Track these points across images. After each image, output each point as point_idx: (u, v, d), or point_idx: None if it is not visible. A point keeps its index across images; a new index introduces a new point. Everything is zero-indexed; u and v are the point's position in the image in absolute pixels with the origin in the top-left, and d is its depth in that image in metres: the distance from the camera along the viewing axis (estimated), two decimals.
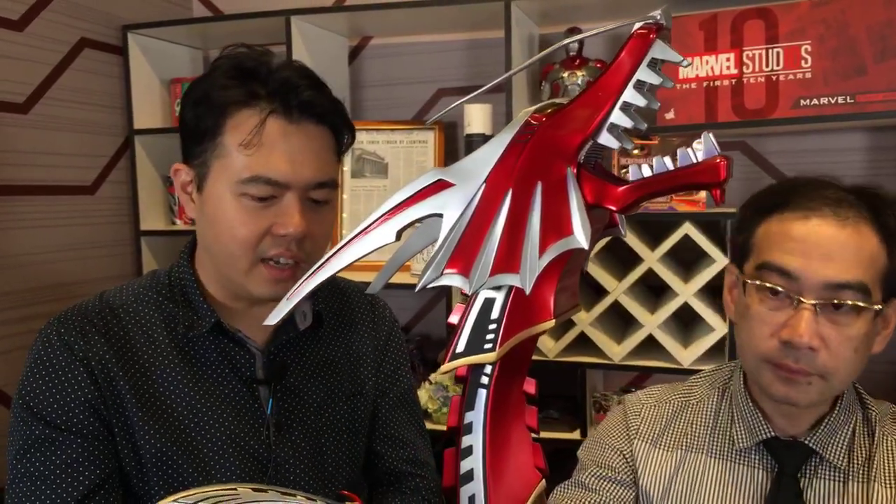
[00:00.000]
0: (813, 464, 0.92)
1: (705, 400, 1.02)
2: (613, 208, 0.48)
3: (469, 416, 0.52)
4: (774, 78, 1.68)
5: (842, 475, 0.91)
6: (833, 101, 1.65)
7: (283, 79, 0.88)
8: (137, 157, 2.21)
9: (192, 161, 0.91)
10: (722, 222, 1.81)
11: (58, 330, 0.90)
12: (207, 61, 2.46)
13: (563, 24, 2.00)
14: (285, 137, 0.87)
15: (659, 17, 0.45)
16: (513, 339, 0.50)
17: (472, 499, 0.52)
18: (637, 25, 0.45)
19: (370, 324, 1.09)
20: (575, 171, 0.48)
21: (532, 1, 1.86)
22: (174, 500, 0.53)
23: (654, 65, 0.45)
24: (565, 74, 1.90)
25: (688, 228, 1.70)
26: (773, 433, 0.93)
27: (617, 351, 1.80)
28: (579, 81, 1.89)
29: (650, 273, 1.74)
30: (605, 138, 0.47)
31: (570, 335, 1.83)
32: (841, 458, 0.91)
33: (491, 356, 0.50)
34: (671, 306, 1.73)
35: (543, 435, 1.84)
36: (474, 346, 0.50)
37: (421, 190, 0.52)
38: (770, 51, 1.68)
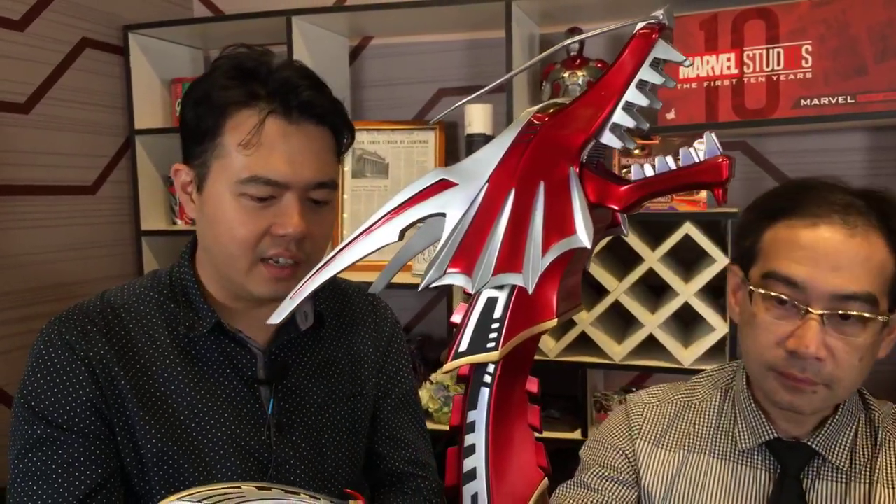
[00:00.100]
0: (815, 465, 0.91)
1: (708, 400, 1.02)
2: (616, 208, 0.48)
3: (472, 415, 0.52)
4: (775, 78, 1.68)
5: (844, 476, 0.91)
6: (834, 101, 1.65)
7: (283, 79, 0.88)
8: (138, 157, 2.21)
9: (192, 161, 0.91)
10: (723, 222, 1.81)
11: (59, 329, 0.90)
12: (208, 61, 2.46)
13: (563, 24, 2.00)
14: (285, 138, 0.87)
15: (661, 17, 0.45)
16: (516, 339, 0.50)
17: (474, 497, 0.52)
18: (640, 25, 0.45)
19: (372, 325, 1.09)
20: (577, 170, 0.48)
21: (533, 1, 1.86)
22: (179, 499, 0.53)
23: (657, 65, 0.46)
24: (566, 74, 1.90)
25: (688, 228, 1.70)
26: (775, 434, 0.92)
27: (618, 351, 1.80)
28: (580, 81, 1.89)
29: (651, 273, 1.74)
30: (608, 138, 0.47)
31: (571, 335, 1.83)
32: (843, 460, 0.91)
33: (494, 355, 0.50)
34: (672, 306, 1.73)
35: (544, 435, 1.84)
36: (477, 345, 0.51)
37: (424, 189, 0.52)
38: (771, 51, 1.68)
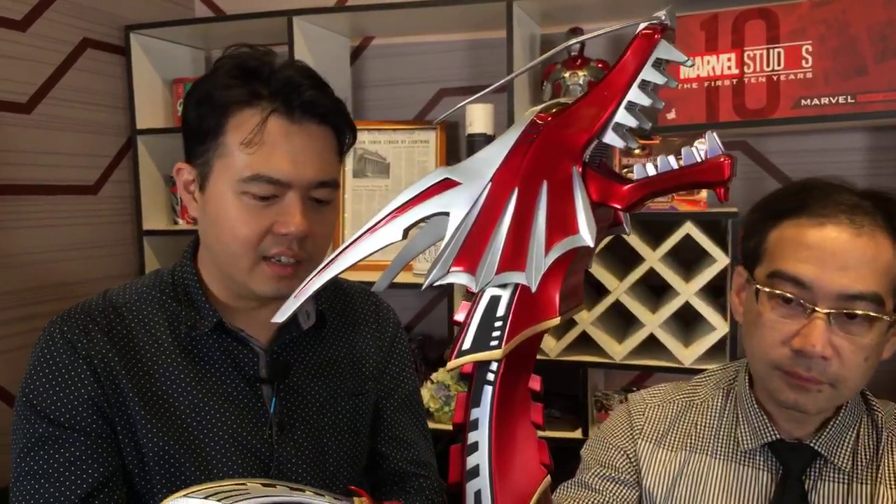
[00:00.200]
0: (818, 466, 0.91)
1: (709, 400, 1.02)
2: (618, 207, 0.48)
3: (475, 413, 0.53)
4: (775, 78, 1.69)
5: (846, 477, 0.91)
6: (834, 101, 1.65)
7: (286, 78, 0.88)
8: (140, 156, 2.22)
9: (194, 160, 0.92)
10: (723, 222, 1.81)
11: (61, 328, 0.90)
12: (209, 61, 2.47)
13: (564, 24, 2.01)
14: (287, 137, 0.87)
15: (664, 17, 0.45)
16: (519, 336, 0.50)
17: (477, 494, 0.52)
18: (642, 26, 0.46)
19: (374, 325, 1.10)
20: (580, 169, 0.48)
21: (533, 1, 1.86)
22: (184, 495, 0.53)
23: (659, 65, 0.46)
24: (567, 74, 1.91)
25: (689, 228, 1.71)
26: (778, 435, 0.92)
27: (618, 350, 1.80)
28: (581, 81, 1.90)
29: (651, 272, 1.74)
30: (611, 137, 0.47)
31: (572, 334, 1.83)
32: (846, 461, 0.91)
33: (497, 353, 0.50)
34: (672, 305, 1.73)
35: (545, 434, 1.84)
36: (480, 343, 0.51)
37: (427, 189, 0.52)
38: (771, 51, 1.68)
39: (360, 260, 0.53)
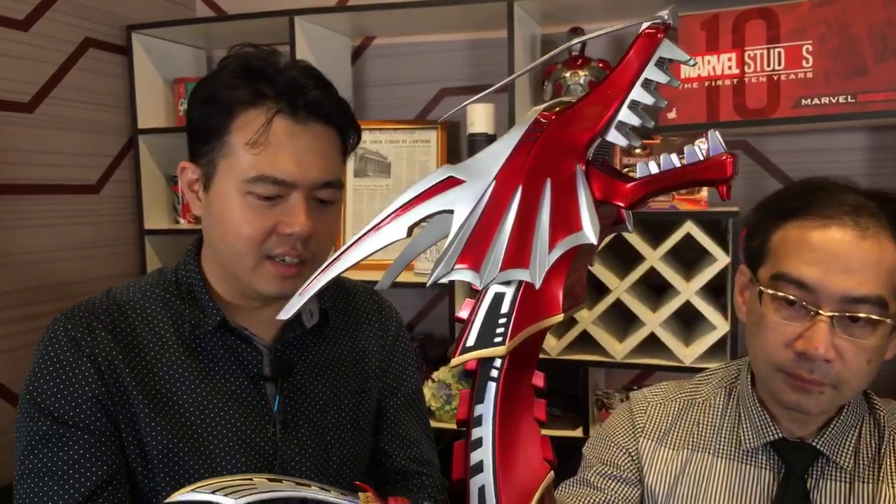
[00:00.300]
0: (820, 465, 0.91)
1: (711, 399, 1.01)
2: (621, 204, 0.49)
3: (479, 409, 0.53)
4: (776, 77, 1.69)
5: (848, 477, 0.91)
6: (834, 101, 1.65)
7: (291, 79, 0.88)
8: (141, 156, 2.22)
9: (198, 160, 0.92)
10: (723, 221, 1.81)
11: (65, 326, 0.91)
12: (211, 61, 2.47)
13: (565, 23, 2.01)
14: (292, 137, 0.88)
15: (666, 16, 0.45)
16: (522, 333, 0.50)
17: (481, 490, 0.53)
18: (645, 25, 0.46)
19: (377, 324, 1.10)
20: (584, 168, 0.49)
21: (534, 1, 1.87)
22: (192, 490, 0.54)
23: (662, 64, 0.46)
24: (568, 74, 1.91)
25: (689, 227, 1.71)
26: (780, 434, 0.92)
27: (619, 349, 1.81)
28: (581, 81, 1.90)
29: (652, 271, 1.75)
30: (614, 136, 0.48)
31: (573, 333, 1.84)
32: (848, 460, 0.91)
33: (501, 349, 0.50)
34: (673, 304, 1.74)
35: (545, 432, 1.84)
36: (484, 339, 0.51)
37: (432, 187, 0.52)
38: (771, 51, 1.69)
39: (365, 258, 0.53)
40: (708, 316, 1.72)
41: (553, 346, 1.85)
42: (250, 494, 0.53)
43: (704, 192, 1.73)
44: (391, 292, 1.14)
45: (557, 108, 0.51)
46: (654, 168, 0.48)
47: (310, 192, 0.90)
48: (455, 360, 0.52)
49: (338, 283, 1.09)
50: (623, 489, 1.00)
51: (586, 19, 2.00)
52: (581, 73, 1.90)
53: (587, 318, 1.81)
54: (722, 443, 0.97)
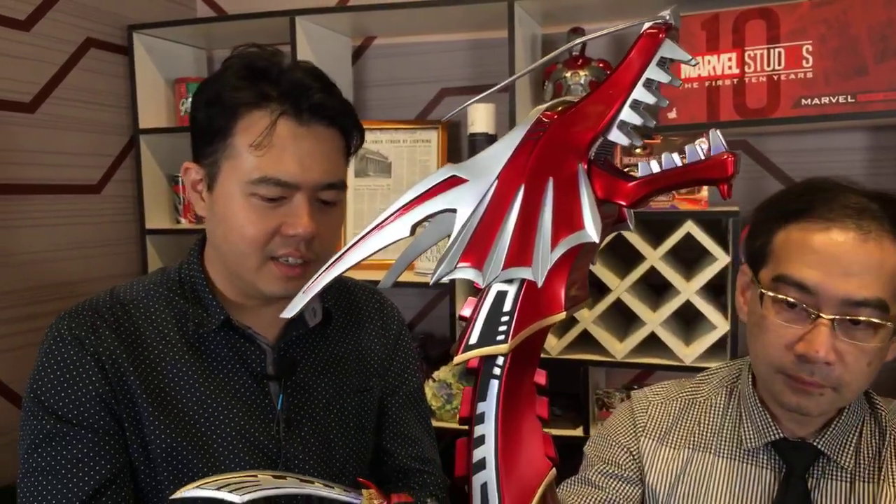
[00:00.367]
0: (821, 465, 0.91)
1: (712, 398, 1.02)
2: (623, 203, 0.49)
3: (481, 406, 0.53)
4: (776, 77, 1.69)
5: (849, 476, 0.91)
6: (834, 101, 1.66)
7: (295, 80, 0.89)
8: (142, 156, 2.22)
9: (202, 160, 0.92)
10: (724, 221, 1.82)
11: (69, 325, 0.91)
12: (212, 61, 2.48)
13: (565, 23, 2.01)
14: (295, 139, 0.88)
15: (668, 17, 0.46)
16: (525, 331, 0.51)
17: (484, 487, 0.53)
18: (647, 25, 0.46)
19: (379, 323, 1.10)
20: (586, 167, 0.49)
21: (535, 1, 1.87)
22: (198, 486, 0.54)
23: (664, 63, 0.46)
24: (568, 74, 1.91)
25: (690, 227, 1.71)
26: (781, 434, 0.92)
27: (619, 348, 1.81)
28: (582, 81, 1.90)
29: (652, 271, 1.75)
30: (616, 135, 0.48)
31: (573, 333, 1.84)
32: (848, 460, 0.91)
33: (503, 347, 0.51)
34: (673, 304, 1.74)
35: (546, 431, 1.85)
36: (487, 337, 0.51)
37: (435, 186, 0.53)
38: (771, 50, 1.69)
39: (369, 256, 0.54)
40: (708, 315, 1.72)
41: (553, 345, 1.85)
42: (255, 491, 0.54)
43: (705, 192, 1.74)
44: (391, 292, 1.14)
45: (560, 108, 0.51)
46: (655, 167, 0.48)
47: (313, 193, 0.90)
48: (458, 358, 0.52)
49: (340, 282, 1.09)
50: (624, 488, 1.00)
51: (587, 19, 2.01)
52: (582, 72, 1.91)
53: (588, 318, 1.81)
54: (723, 442, 0.98)
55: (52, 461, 0.87)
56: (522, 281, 0.51)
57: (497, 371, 0.53)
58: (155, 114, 2.26)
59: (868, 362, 0.84)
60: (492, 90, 0.56)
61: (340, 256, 0.54)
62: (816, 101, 1.67)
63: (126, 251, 2.24)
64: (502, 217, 0.51)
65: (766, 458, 0.94)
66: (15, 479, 0.90)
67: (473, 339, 0.52)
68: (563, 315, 0.50)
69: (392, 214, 0.53)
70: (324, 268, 0.54)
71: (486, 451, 0.53)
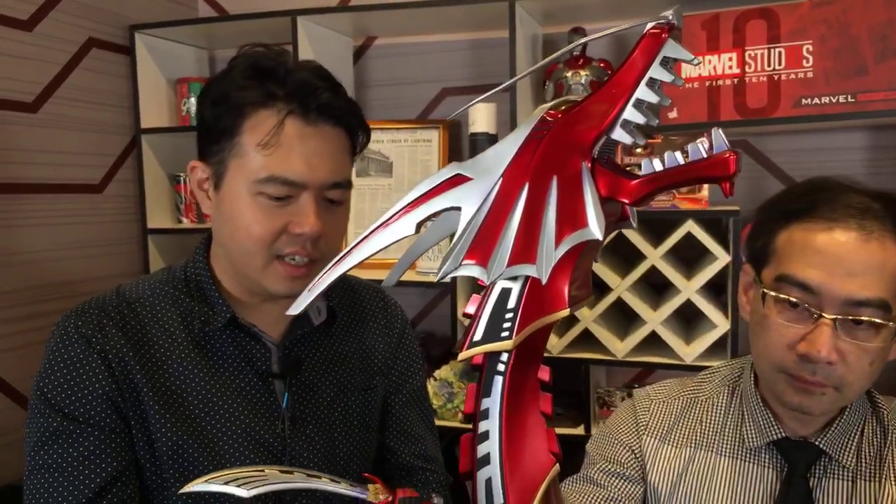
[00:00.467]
0: (822, 464, 0.92)
1: (714, 397, 1.02)
2: (626, 201, 0.50)
3: (486, 403, 0.54)
4: (776, 77, 1.70)
5: (851, 475, 0.91)
6: (834, 101, 1.66)
7: (302, 80, 0.89)
8: (144, 155, 2.23)
9: (208, 159, 0.92)
10: (724, 220, 1.82)
11: (75, 323, 0.91)
12: (213, 61, 2.48)
13: (566, 23, 2.02)
14: (303, 139, 0.88)
15: (671, 17, 0.46)
16: (529, 328, 0.51)
17: (488, 482, 0.53)
18: (650, 25, 0.47)
19: (382, 321, 1.11)
20: (589, 165, 0.49)
21: (536, 1, 1.88)
22: (206, 481, 0.54)
23: (666, 63, 0.47)
24: (569, 74, 1.92)
25: (690, 226, 1.72)
26: (783, 434, 0.92)
27: (620, 347, 1.81)
28: (583, 81, 1.91)
29: (653, 270, 1.76)
30: (619, 134, 0.48)
31: (574, 331, 1.84)
32: (850, 459, 0.91)
33: (507, 344, 0.51)
34: (674, 303, 1.75)
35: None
36: (491, 334, 0.52)
37: (440, 184, 0.53)
38: (772, 50, 1.70)
39: (374, 253, 0.54)
40: (708, 314, 1.73)
41: (554, 344, 1.86)
42: (262, 485, 0.54)
43: (705, 192, 1.74)
44: (393, 290, 1.15)
45: (563, 107, 0.52)
46: (658, 165, 0.49)
47: (319, 192, 0.90)
48: (462, 355, 0.53)
49: (344, 281, 1.10)
50: (626, 486, 1.01)
51: (587, 19, 2.01)
52: (582, 72, 1.91)
53: (588, 317, 1.82)
54: (725, 441, 0.98)
55: (59, 458, 0.87)
56: (526, 278, 0.51)
57: (501, 367, 0.53)
58: (157, 113, 2.27)
59: (870, 362, 0.84)
60: (495, 90, 0.56)
61: (346, 254, 0.54)
62: (817, 100, 1.68)
63: (127, 251, 2.25)
64: (507, 215, 0.51)
65: (768, 457, 0.94)
66: (18, 478, 0.90)
67: (478, 336, 0.52)
68: (567, 311, 0.51)
69: (397, 212, 0.54)
70: (329, 265, 0.54)
71: (491, 447, 0.54)
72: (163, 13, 2.31)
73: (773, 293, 0.87)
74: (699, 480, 0.97)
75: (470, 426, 0.55)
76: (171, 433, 0.90)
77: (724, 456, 0.97)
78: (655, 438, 1.02)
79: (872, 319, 0.82)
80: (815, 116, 1.68)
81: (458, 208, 0.53)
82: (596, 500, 1.00)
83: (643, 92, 0.47)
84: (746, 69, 1.72)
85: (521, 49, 1.89)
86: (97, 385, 0.88)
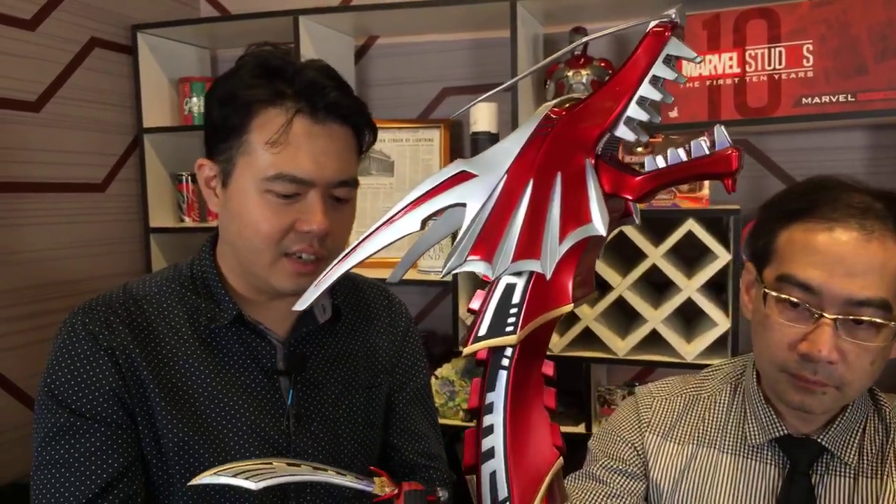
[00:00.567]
0: (824, 461, 0.92)
1: (717, 395, 1.02)
2: (630, 197, 0.50)
3: (490, 397, 0.54)
4: (776, 77, 1.71)
5: (853, 472, 0.91)
6: (834, 100, 1.67)
7: (310, 79, 0.90)
8: (146, 155, 2.24)
9: (216, 157, 0.93)
10: (724, 219, 1.83)
11: (82, 320, 0.92)
12: (215, 61, 2.49)
13: (567, 23, 2.02)
14: (310, 137, 0.89)
15: (674, 15, 0.47)
16: (533, 323, 0.52)
17: (493, 475, 0.54)
18: (653, 23, 0.47)
19: (387, 319, 1.11)
20: (593, 162, 0.50)
21: (537, 1, 1.88)
22: (215, 473, 0.55)
23: (669, 61, 0.47)
24: (570, 73, 1.92)
25: (691, 225, 1.73)
26: (785, 431, 0.93)
27: (621, 346, 1.82)
28: (584, 80, 1.91)
29: (654, 269, 1.76)
30: (622, 131, 0.49)
31: (575, 330, 1.85)
32: (852, 456, 0.91)
33: (512, 339, 0.52)
34: (675, 301, 1.75)
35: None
36: (496, 329, 0.52)
37: (445, 181, 0.53)
38: (772, 50, 1.70)
39: (379, 250, 0.55)
40: (709, 313, 1.74)
41: (555, 342, 1.86)
42: (270, 478, 0.55)
43: (706, 191, 1.75)
44: (394, 289, 1.16)
45: (567, 105, 0.52)
46: (661, 162, 0.49)
47: (327, 190, 0.91)
48: (467, 349, 0.53)
49: (349, 279, 1.10)
50: (628, 483, 1.01)
51: (588, 19, 2.02)
52: (583, 72, 1.92)
53: (589, 315, 1.83)
54: (727, 438, 0.98)
55: (66, 454, 0.88)
56: (531, 273, 0.52)
57: (506, 362, 0.54)
58: (159, 113, 2.28)
59: (871, 361, 0.85)
60: (497, 90, 0.57)
61: (352, 251, 0.54)
62: (817, 100, 1.68)
63: (130, 249, 2.25)
64: (511, 211, 0.52)
65: (770, 454, 0.95)
66: (22, 475, 0.91)
67: (482, 331, 0.53)
68: (570, 307, 0.51)
69: (402, 209, 0.54)
70: (335, 261, 0.55)
71: (495, 441, 0.54)
72: (165, 13, 2.32)
73: (774, 293, 0.87)
74: (701, 477, 0.97)
75: (471, 423, 0.55)
76: (177, 429, 0.91)
77: (727, 453, 0.97)
78: (658, 435, 1.02)
79: (873, 319, 0.83)
80: (815, 116, 1.69)
81: (463, 205, 0.53)
82: (598, 497, 1.00)
83: (647, 89, 0.48)
84: (747, 69, 1.72)
85: (523, 49, 1.90)
86: (104, 381, 0.89)
